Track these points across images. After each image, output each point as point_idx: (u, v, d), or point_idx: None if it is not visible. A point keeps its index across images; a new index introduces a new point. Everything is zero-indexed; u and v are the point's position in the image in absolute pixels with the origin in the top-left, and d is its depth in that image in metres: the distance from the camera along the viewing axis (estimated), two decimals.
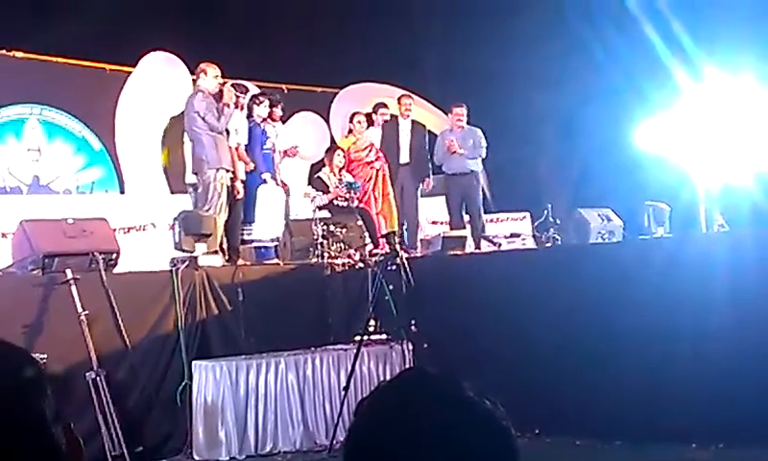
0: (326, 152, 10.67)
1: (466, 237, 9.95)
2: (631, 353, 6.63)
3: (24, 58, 10.67)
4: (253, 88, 10.57)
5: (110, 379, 6.71)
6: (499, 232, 10.61)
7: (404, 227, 10.56)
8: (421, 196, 10.92)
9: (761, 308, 6.19)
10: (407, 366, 7.20)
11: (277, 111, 10.00)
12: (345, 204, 9.85)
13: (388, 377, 1.33)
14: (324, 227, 8.88)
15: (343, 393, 7.13)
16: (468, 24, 13.85)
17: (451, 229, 10.56)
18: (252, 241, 9.45)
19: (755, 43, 9.77)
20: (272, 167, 9.68)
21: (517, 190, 12.94)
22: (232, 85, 9.32)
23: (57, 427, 1.31)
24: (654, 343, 6.53)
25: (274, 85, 11.70)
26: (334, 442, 7.04)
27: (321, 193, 9.96)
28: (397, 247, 7.66)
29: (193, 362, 7.27)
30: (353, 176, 10.20)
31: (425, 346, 7.34)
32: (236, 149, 9.30)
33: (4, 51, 10.49)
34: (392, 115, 10.99)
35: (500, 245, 9.85)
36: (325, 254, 8.71)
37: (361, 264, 8.81)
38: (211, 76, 8.98)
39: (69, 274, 6.70)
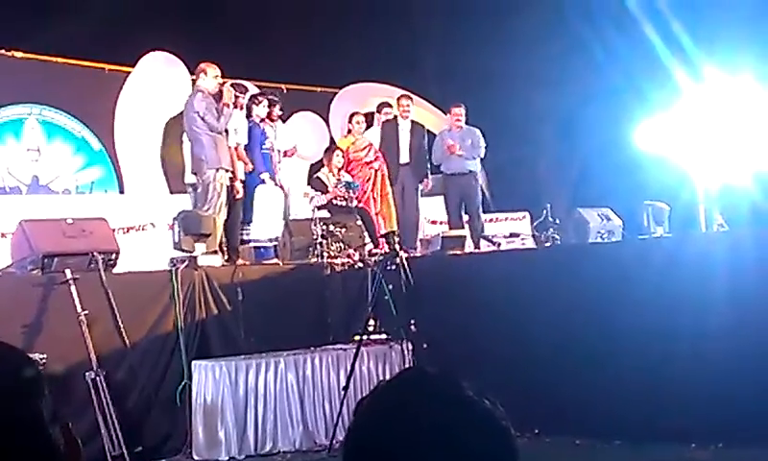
0: (325, 152, 10.67)
1: (465, 237, 9.95)
2: (630, 353, 6.63)
3: (23, 58, 10.66)
4: (253, 88, 10.57)
5: (110, 379, 6.71)
6: (499, 232, 10.60)
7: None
8: (421, 196, 10.93)
9: (761, 308, 6.20)
10: (406, 366, 7.19)
11: (276, 111, 10.00)
12: (344, 203, 9.85)
13: (387, 377, 1.33)
14: (324, 226, 8.88)
15: (342, 393, 7.13)
16: (467, 24, 13.84)
17: (450, 228, 10.54)
18: (252, 241, 9.44)
19: (754, 43, 9.77)
20: (271, 167, 9.68)
21: (517, 190, 12.94)
22: (232, 85, 9.32)
23: (54, 428, 1.31)
24: (653, 343, 6.53)
25: (273, 85, 11.69)
26: (334, 442, 7.05)
27: (319, 193, 9.96)
28: (397, 247, 7.65)
29: (192, 362, 7.27)
30: (352, 176, 10.19)
31: (425, 345, 7.33)
32: (236, 149, 9.30)
33: (3, 51, 10.48)
34: (394, 115, 11.00)
35: (499, 245, 9.84)
36: (325, 254, 8.71)
37: (360, 264, 8.81)
38: (211, 76, 8.98)
39: (69, 274, 6.70)
